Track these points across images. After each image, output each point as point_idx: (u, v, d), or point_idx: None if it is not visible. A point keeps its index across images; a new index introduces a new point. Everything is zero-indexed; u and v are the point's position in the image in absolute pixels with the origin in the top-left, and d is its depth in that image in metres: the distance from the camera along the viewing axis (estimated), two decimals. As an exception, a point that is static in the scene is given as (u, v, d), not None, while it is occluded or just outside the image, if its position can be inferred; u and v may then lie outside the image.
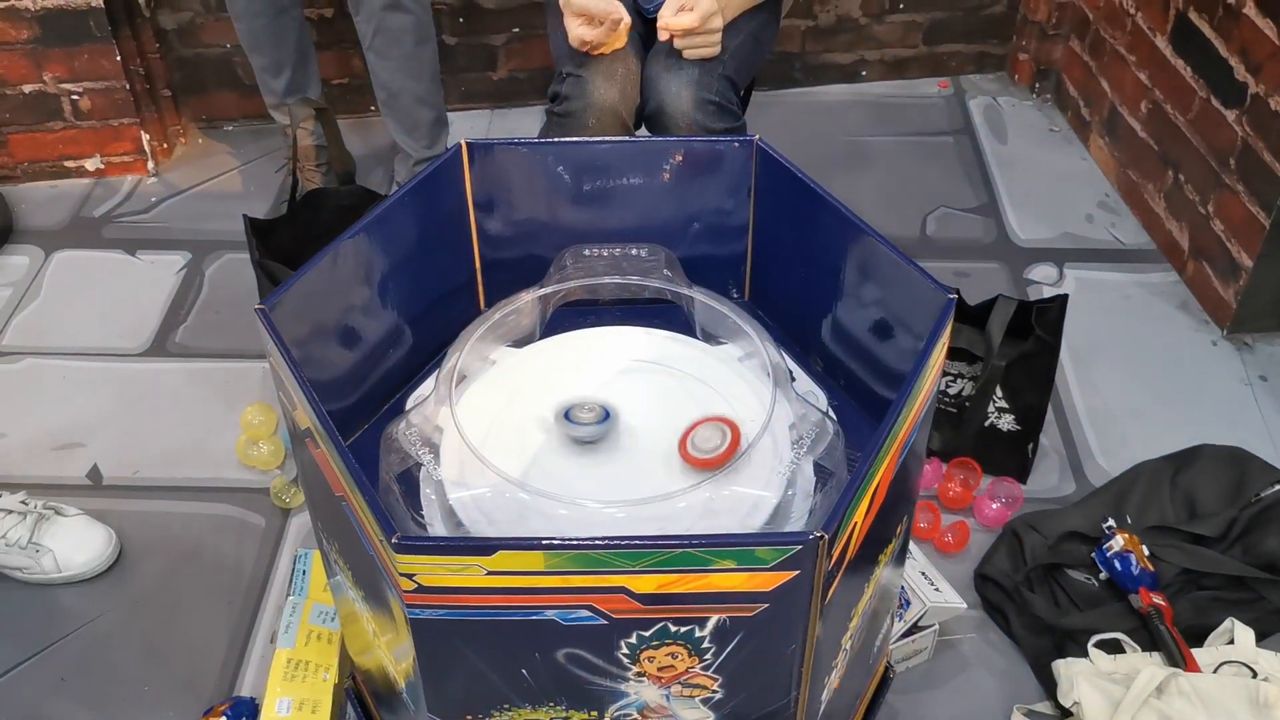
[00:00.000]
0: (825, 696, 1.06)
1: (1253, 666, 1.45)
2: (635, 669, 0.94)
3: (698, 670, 0.94)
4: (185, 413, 1.96)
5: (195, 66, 2.58)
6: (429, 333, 1.26)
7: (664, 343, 1.23)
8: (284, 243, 1.84)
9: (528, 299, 1.21)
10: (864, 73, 2.79)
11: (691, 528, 1.02)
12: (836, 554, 0.89)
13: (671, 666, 0.94)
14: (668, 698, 0.97)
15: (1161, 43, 2.23)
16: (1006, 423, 1.77)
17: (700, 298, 1.21)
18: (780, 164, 1.20)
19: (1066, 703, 1.44)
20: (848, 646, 1.08)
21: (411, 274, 1.22)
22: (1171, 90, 2.20)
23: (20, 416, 1.95)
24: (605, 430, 1.10)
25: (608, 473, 1.08)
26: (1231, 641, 1.49)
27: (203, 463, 1.86)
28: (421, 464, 1.08)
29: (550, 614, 0.89)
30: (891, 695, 1.41)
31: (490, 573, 0.86)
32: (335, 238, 1.12)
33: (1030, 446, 1.79)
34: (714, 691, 0.97)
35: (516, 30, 2.62)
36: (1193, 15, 2.12)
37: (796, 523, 1.06)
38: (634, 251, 1.24)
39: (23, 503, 1.69)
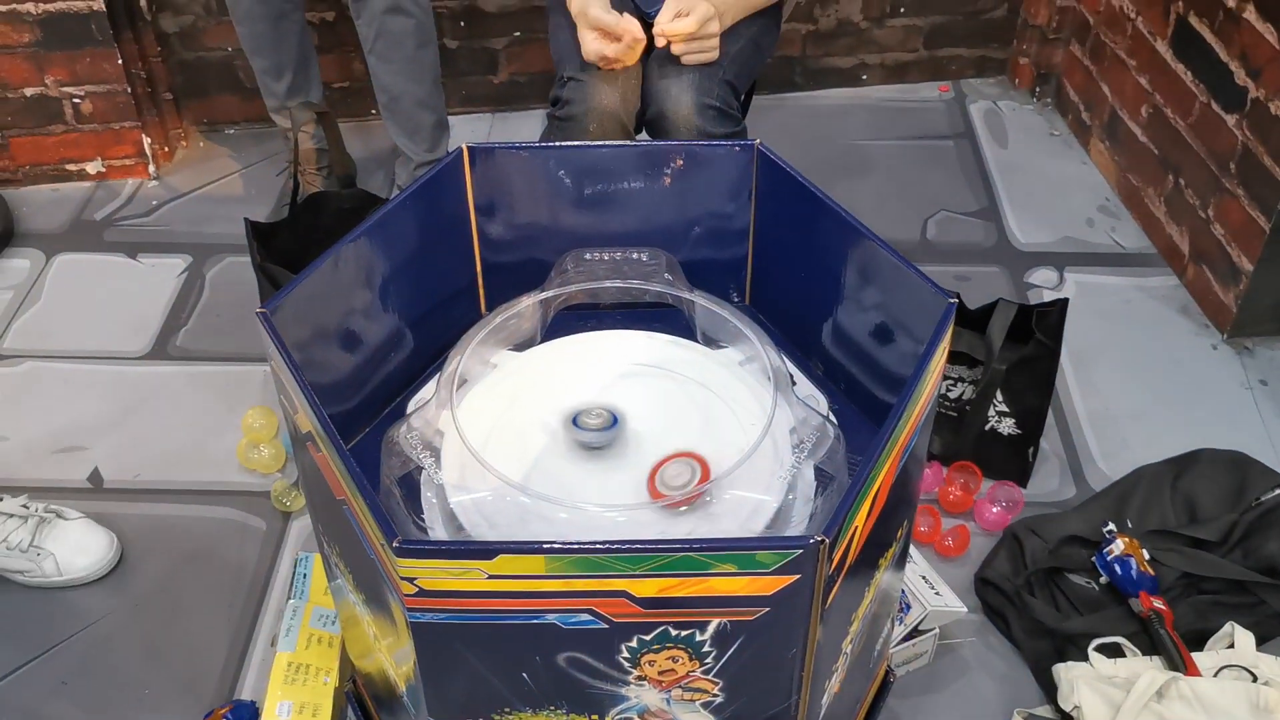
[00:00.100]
0: (826, 700, 1.06)
1: (1253, 671, 1.45)
2: (636, 673, 0.94)
3: (698, 674, 0.94)
4: (186, 416, 1.96)
5: (197, 70, 2.58)
6: (430, 336, 1.27)
7: (665, 347, 1.23)
8: (285, 246, 1.84)
9: (529, 303, 1.21)
10: (864, 77, 2.80)
11: (692, 532, 1.02)
12: (837, 558, 0.89)
13: (672, 670, 0.94)
14: (668, 702, 0.97)
15: (1162, 47, 2.23)
16: (1007, 427, 1.77)
17: (701, 302, 1.21)
18: (781, 168, 1.20)
19: (1067, 707, 1.44)
20: (848, 650, 1.08)
21: (412, 277, 1.22)
22: (1172, 94, 2.21)
23: (21, 420, 1.95)
24: (613, 436, 1.09)
25: (609, 477, 1.08)
26: (1232, 645, 1.49)
27: (204, 466, 1.87)
28: (422, 467, 1.08)
29: (551, 618, 0.89)
30: (892, 699, 1.41)
31: (491, 576, 0.86)
32: (336, 241, 1.12)
33: (1031, 450, 1.79)
34: (714, 695, 0.97)
35: (517, 34, 2.62)
36: (1193, 19, 2.12)
37: (797, 527, 1.06)
38: (635, 255, 1.24)
39: (24, 506, 1.69)
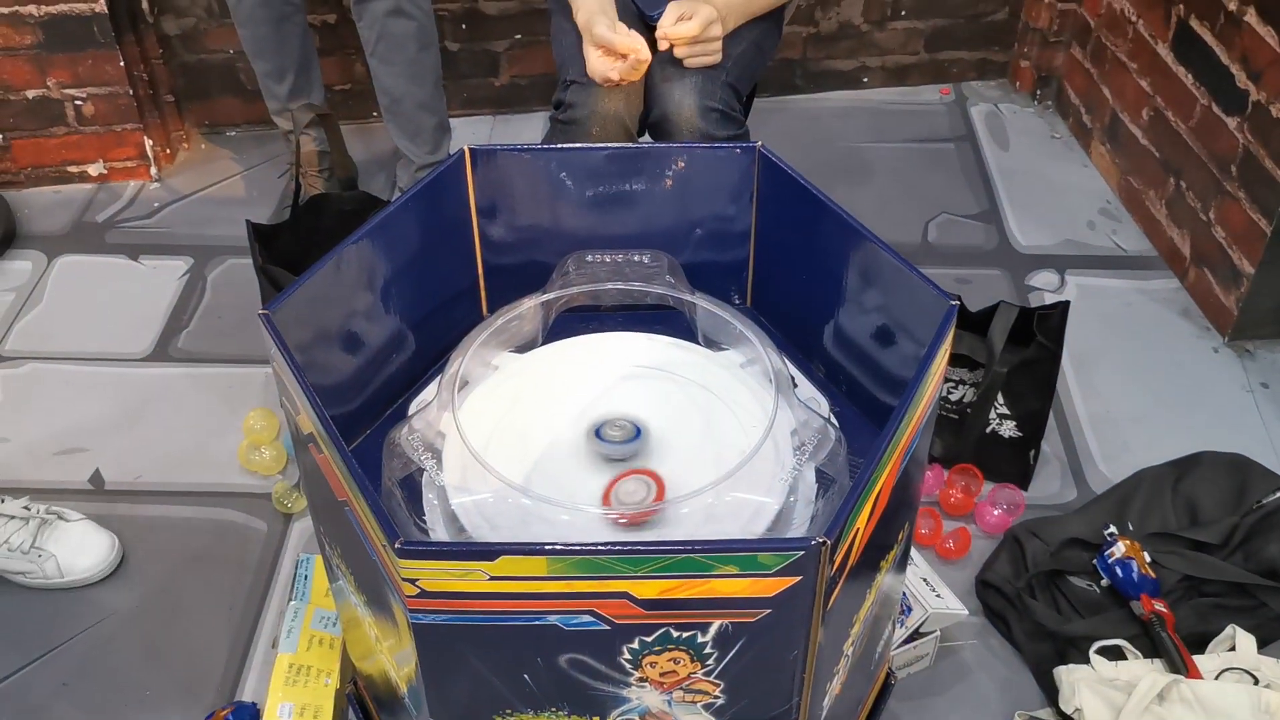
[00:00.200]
0: (827, 703, 1.06)
1: (1254, 673, 1.45)
2: (637, 674, 0.94)
3: (700, 676, 0.94)
4: (188, 418, 1.96)
5: (198, 72, 2.58)
6: (431, 338, 1.27)
7: (666, 349, 1.23)
8: (287, 248, 1.84)
9: (530, 304, 1.21)
10: (865, 79, 2.80)
11: (694, 533, 1.02)
12: (838, 560, 0.89)
13: (674, 672, 0.94)
14: (670, 703, 0.97)
15: (1163, 50, 2.23)
16: (1008, 429, 1.77)
17: (702, 304, 1.21)
18: (782, 170, 1.20)
19: (1068, 709, 1.44)
20: (849, 653, 1.08)
21: (414, 279, 1.22)
22: (1173, 97, 2.21)
23: (23, 421, 1.96)
24: (636, 448, 1.08)
25: (610, 479, 1.08)
26: (1233, 648, 1.49)
27: (205, 468, 1.87)
28: (424, 469, 1.08)
29: (553, 619, 0.89)
30: (893, 701, 1.41)
31: (493, 578, 0.86)
32: (338, 243, 1.12)
33: (1032, 453, 1.79)
34: (716, 697, 0.97)
35: (519, 37, 2.63)
36: (1194, 23, 2.12)
37: (798, 529, 1.06)
38: (636, 257, 1.24)
39: (25, 508, 1.69)
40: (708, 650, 0.92)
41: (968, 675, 1.56)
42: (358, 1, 2.11)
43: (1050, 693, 1.50)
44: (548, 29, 1.93)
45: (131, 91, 2.41)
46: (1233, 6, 2.00)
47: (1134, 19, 2.33)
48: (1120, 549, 1.56)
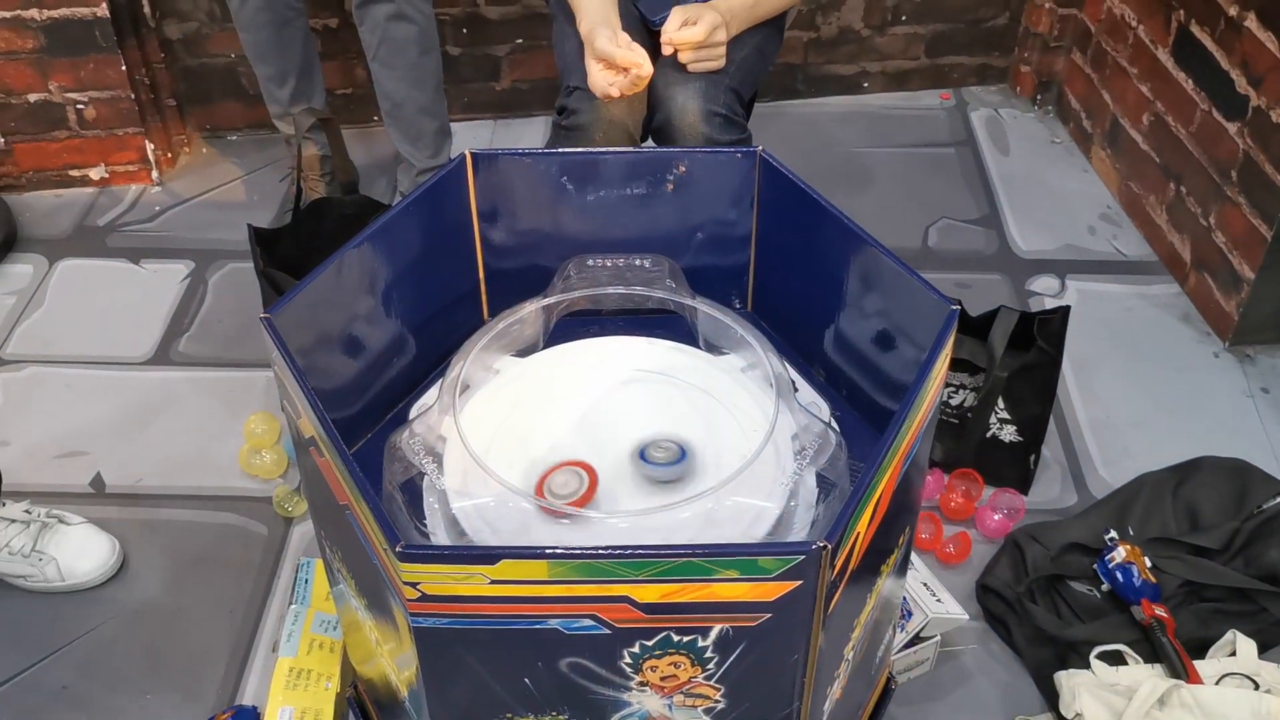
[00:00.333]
0: (827, 707, 1.06)
1: (1255, 678, 1.45)
2: (638, 678, 0.94)
3: (700, 680, 0.94)
4: (188, 421, 1.96)
5: (200, 76, 2.58)
6: (433, 342, 1.27)
7: (667, 353, 1.23)
8: (288, 252, 1.85)
9: (531, 309, 1.21)
10: (866, 84, 2.80)
11: (694, 538, 1.02)
12: (839, 564, 0.89)
13: (674, 676, 0.94)
14: (670, 707, 0.97)
15: (1163, 55, 2.23)
16: (1008, 434, 1.77)
17: (703, 308, 1.21)
18: (783, 175, 1.20)
19: (1068, 714, 1.44)
20: (850, 657, 1.08)
21: (415, 283, 1.22)
22: (1173, 102, 2.21)
23: (24, 425, 1.96)
24: (683, 470, 1.07)
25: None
26: (1234, 653, 1.49)
27: (206, 471, 1.87)
28: (425, 473, 1.08)
29: (553, 623, 0.89)
30: (893, 706, 1.41)
31: (494, 582, 0.86)
32: (339, 247, 1.12)
33: (1032, 457, 1.79)
34: (716, 701, 0.97)
35: (520, 41, 2.63)
36: (1194, 28, 2.13)
37: (799, 533, 1.06)
38: (637, 262, 1.24)
39: (26, 511, 1.69)
40: (708, 654, 0.92)
41: (968, 680, 1.56)
42: (359, 6, 2.12)
43: (1051, 698, 1.50)
44: (549, 34, 1.93)
45: (133, 95, 2.42)
46: (1233, 12, 2.00)
47: (1134, 24, 2.33)
48: (1121, 554, 1.56)
